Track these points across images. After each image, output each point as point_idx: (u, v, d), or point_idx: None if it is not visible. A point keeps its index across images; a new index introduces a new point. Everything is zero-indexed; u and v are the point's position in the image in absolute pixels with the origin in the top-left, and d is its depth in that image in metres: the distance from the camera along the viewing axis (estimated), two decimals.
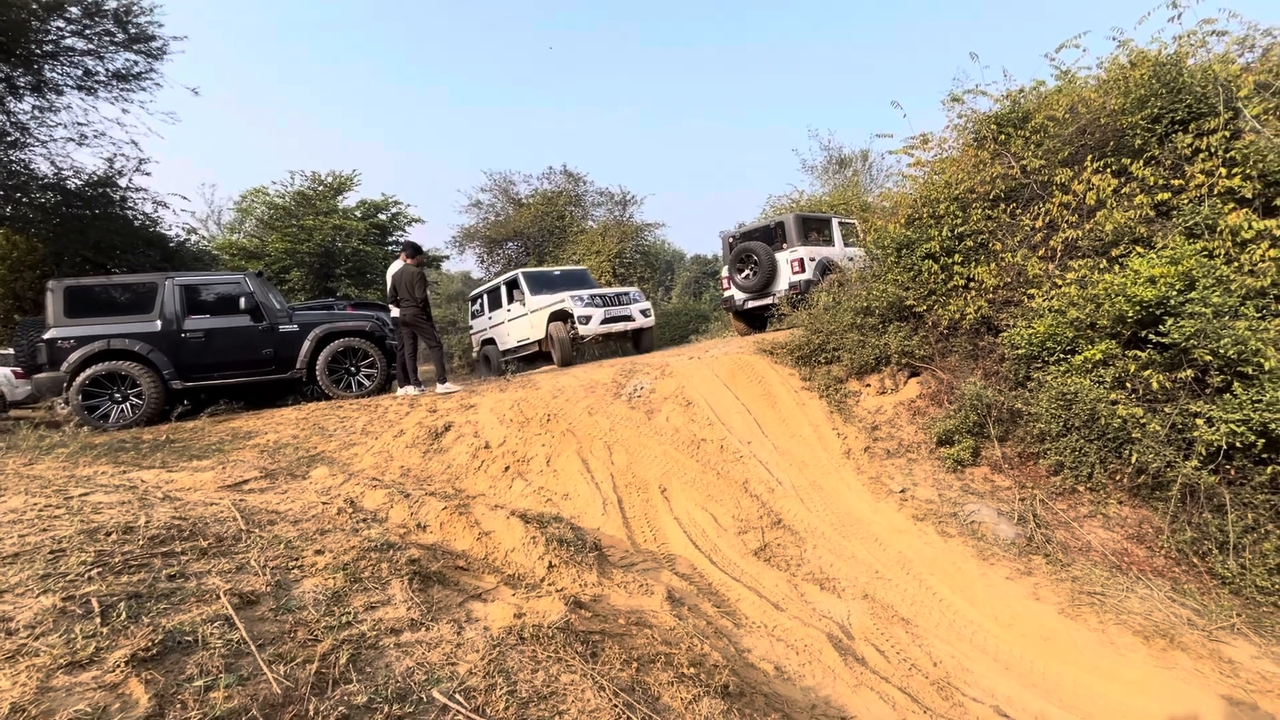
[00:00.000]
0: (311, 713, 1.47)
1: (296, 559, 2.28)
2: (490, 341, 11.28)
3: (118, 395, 7.03)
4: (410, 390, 7.47)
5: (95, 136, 10.42)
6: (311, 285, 14.85)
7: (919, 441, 5.70)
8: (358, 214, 16.22)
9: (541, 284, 10.31)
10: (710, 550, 4.31)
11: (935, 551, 4.46)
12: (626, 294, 9.73)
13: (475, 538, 3.00)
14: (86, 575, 1.91)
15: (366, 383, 7.94)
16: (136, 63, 10.41)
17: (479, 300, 11.85)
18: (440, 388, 7.45)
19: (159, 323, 7.22)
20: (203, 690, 1.43)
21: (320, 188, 15.99)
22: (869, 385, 6.38)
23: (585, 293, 9.32)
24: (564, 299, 9.08)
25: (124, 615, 1.71)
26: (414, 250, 7.49)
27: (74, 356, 6.79)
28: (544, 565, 2.94)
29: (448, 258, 18.67)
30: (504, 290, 10.67)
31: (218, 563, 2.11)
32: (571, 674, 1.95)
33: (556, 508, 4.69)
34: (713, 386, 6.48)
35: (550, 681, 1.89)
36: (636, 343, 10.02)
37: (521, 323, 10.15)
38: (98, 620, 1.66)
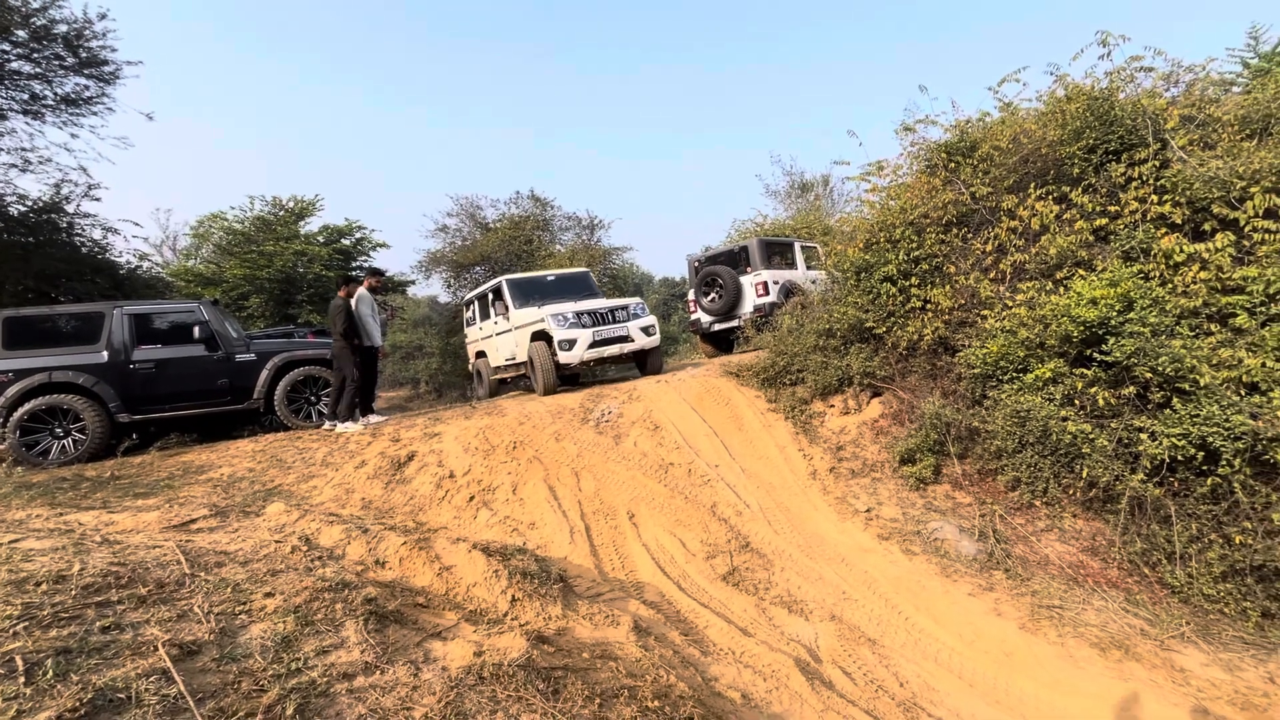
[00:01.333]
0: None
1: (244, 603, 2.18)
2: (483, 355, 10.01)
3: (59, 430, 6.70)
4: (373, 419, 7.32)
5: (41, 163, 10.07)
6: (272, 312, 14.47)
7: (882, 460, 5.80)
8: (320, 239, 15.93)
9: (529, 293, 8.69)
10: (679, 577, 4.28)
11: (900, 570, 4.51)
12: (624, 307, 8.08)
13: (436, 573, 2.93)
14: (11, 630, 1.80)
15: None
16: (87, 87, 10.15)
17: (471, 306, 10.44)
18: (327, 424, 7.12)
19: (105, 353, 6.93)
20: None
21: (281, 212, 15.69)
22: (833, 406, 6.48)
23: (570, 308, 7.72)
24: (544, 317, 7.63)
25: (50, 673, 1.61)
26: (343, 280, 7.37)
27: (11, 390, 6.46)
28: (507, 599, 2.88)
29: (413, 282, 18.47)
30: (490, 299, 9.16)
31: (157, 611, 2.01)
32: (532, 714, 1.90)
33: (523, 537, 4.61)
34: (680, 410, 6.51)
35: None
36: (641, 365, 8.55)
37: (507, 339, 8.73)
38: (21, 680, 1.56)
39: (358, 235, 16.45)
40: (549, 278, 9.17)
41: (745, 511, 5.07)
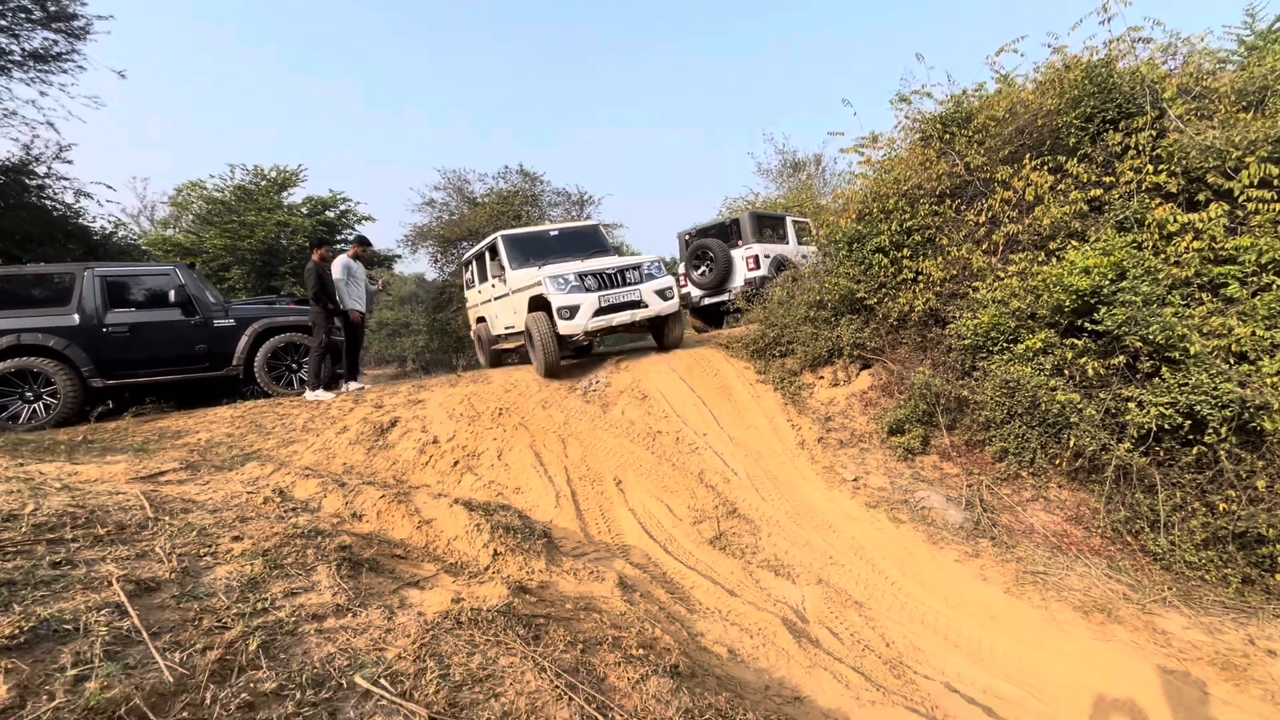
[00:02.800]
0: (208, 701, 1.32)
1: (210, 546, 2.08)
2: (483, 320, 9.03)
3: (29, 394, 6.49)
4: (351, 386, 7.18)
5: (5, 116, 9.67)
6: (254, 284, 14.15)
7: (871, 431, 5.77)
8: (304, 210, 15.57)
9: (528, 251, 7.54)
10: (665, 540, 4.23)
11: (887, 537, 4.50)
12: (636, 267, 6.90)
13: (415, 526, 2.84)
14: None
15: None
16: (56, 42, 9.74)
17: (470, 267, 9.33)
18: (310, 394, 6.92)
19: (77, 316, 6.70)
20: (75, 680, 1.26)
21: (263, 182, 15.29)
22: (822, 377, 6.44)
23: (571, 269, 6.58)
24: (541, 280, 6.50)
25: None
26: (316, 242, 7.13)
27: None
28: (489, 553, 2.80)
29: (400, 257, 18.15)
30: (487, 258, 8.06)
31: (115, 550, 1.91)
32: (511, 656, 1.83)
33: (508, 501, 4.53)
34: (669, 380, 6.43)
35: (487, 665, 1.76)
36: (658, 336, 7.40)
37: (505, 305, 7.65)
38: None
39: (342, 208, 16.11)
40: (552, 233, 7.85)
41: (733, 479, 5.03)
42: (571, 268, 6.67)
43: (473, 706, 1.56)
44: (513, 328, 7.61)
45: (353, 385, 7.25)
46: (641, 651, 2.14)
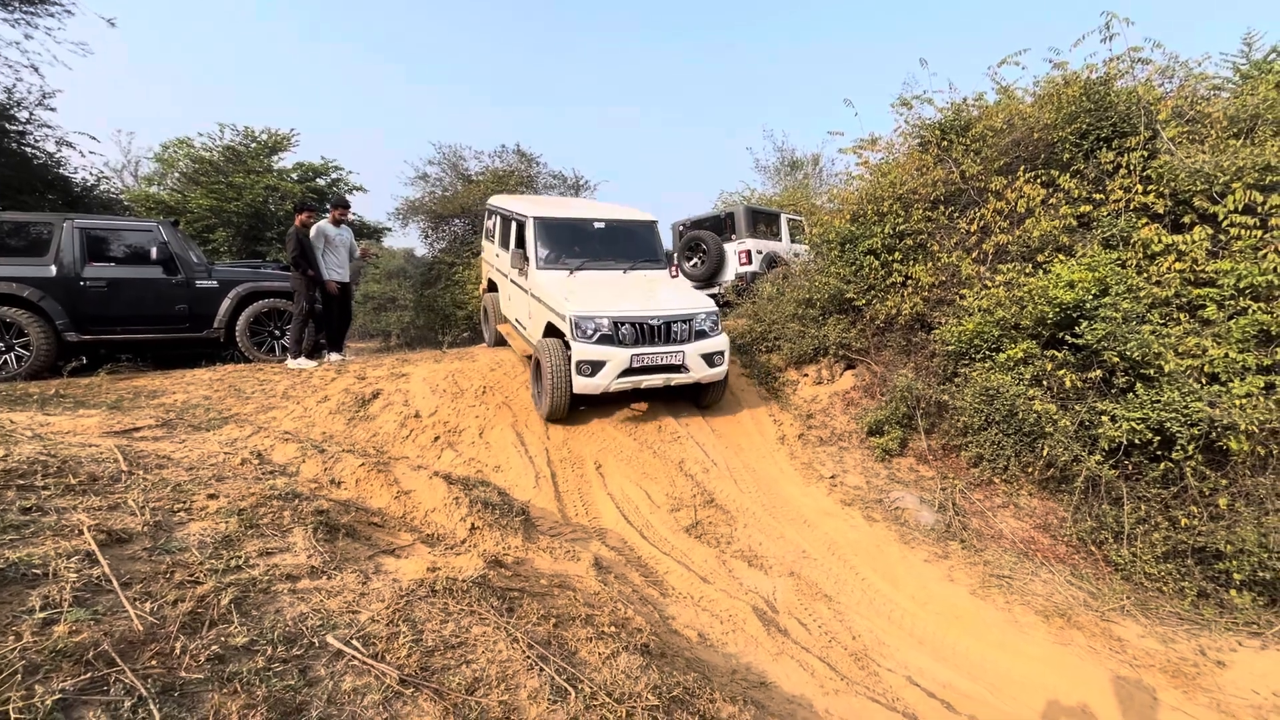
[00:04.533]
0: (178, 651, 1.31)
1: (184, 503, 2.06)
2: (495, 288, 7.84)
3: (0, 345, 6.33)
4: (334, 357, 7.11)
5: None
6: (239, 248, 13.89)
7: (851, 431, 5.85)
8: (294, 176, 15.28)
9: (562, 243, 6.13)
10: (642, 525, 4.26)
11: (860, 535, 4.57)
12: (687, 320, 5.42)
13: (393, 496, 2.83)
14: None
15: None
16: None
17: (494, 218, 7.79)
18: (291, 362, 6.83)
19: (54, 268, 6.54)
20: (43, 623, 1.25)
21: (253, 144, 14.97)
22: (806, 375, 6.49)
23: (605, 309, 5.19)
24: (565, 315, 5.16)
25: None
26: (299, 206, 6.98)
27: None
28: (466, 527, 2.80)
29: (389, 230, 17.91)
30: (513, 231, 6.62)
31: (87, 500, 1.88)
32: (484, 626, 1.84)
33: (488, 479, 4.53)
34: None
35: (460, 632, 1.77)
36: (696, 395, 5.95)
37: (521, 298, 6.38)
38: None
39: (333, 176, 15.85)
40: (597, 224, 6.42)
41: (712, 469, 5.07)
42: (606, 306, 5.25)
43: (444, 671, 1.57)
44: (524, 329, 6.51)
45: (334, 356, 7.17)
46: (613, 629, 2.16)
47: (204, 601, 1.53)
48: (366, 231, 16.79)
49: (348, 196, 15.81)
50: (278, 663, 1.40)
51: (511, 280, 6.64)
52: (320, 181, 15.57)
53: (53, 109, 10.91)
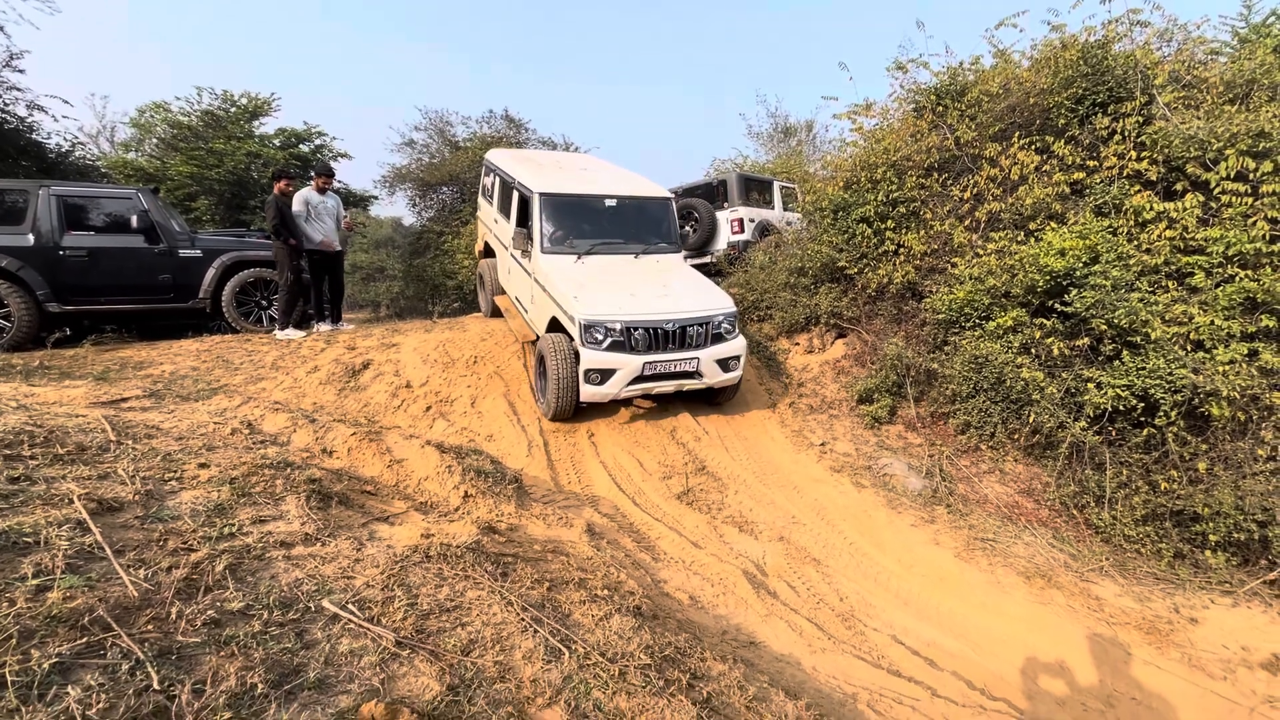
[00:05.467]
0: (174, 616, 1.32)
1: (175, 472, 2.06)
2: (490, 252, 7.37)
3: None
4: (323, 327, 7.04)
5: None
6: (222, 216, 13.60)
7: (841, 399, 5.90)
8: (276, 142, 14.88)
9: (569, 224, 5.67)
10: (634, 493, 4.31)
11: (849, 500, 4.65)
12: (704, 322, 5.04)
13: (386, 465, 2.84)
14: None
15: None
16: None
17: (493, 176, 7.17)
18: (279, 333, 6.78)
19: (32, 237, 6.38)
20: (37, 590, 1.25)
21: (233, 109, 14.53)
22: (798, 344, 6.51)
23: (617, 312, 4.80)
24: (574, 316, 4.76)
25: None
26: (278, 173, 6.86)
27: None
28: (459, 495, 2.82)
29: (376, 198, 17.57)
30: (514, 201, 6.11)
31: (76, 469, 1.87)
32: (479, 590, 1.86)
33: (480, 448, 4.54)
34: None
35: (455, 596, 1.80)
36: (709, 394, 5.62)
37: (523, 279, 5.90)
38: None
39: (317, 142, 15.46)
40: (608, 202, 5.86)
41: (704, 438, 5.11)
42: (619, 308, 4.81)
43: (440, 633, 1.59)
44: (525, 311, 6.00)
45: (324, 326, 7.10)
46: (606, 592, 2.20)
47: (198, 568, 1.54)
48: (353, 200, 16.47)
49: (332, 164, 15.45)
50: (274, 626, 1.42)
51: (512, 254, 6.14)
52: (304, 148, 15.19)
53: (21, 70, 10.50)
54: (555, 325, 5.12)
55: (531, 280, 5.60)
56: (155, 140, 15.22)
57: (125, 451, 2.09)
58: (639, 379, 4.82)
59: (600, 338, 4.74)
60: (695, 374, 5.03)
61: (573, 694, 1.49)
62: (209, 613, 1.36)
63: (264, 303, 7.40)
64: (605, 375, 4.75)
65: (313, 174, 7.17)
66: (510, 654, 1.59)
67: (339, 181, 16.40)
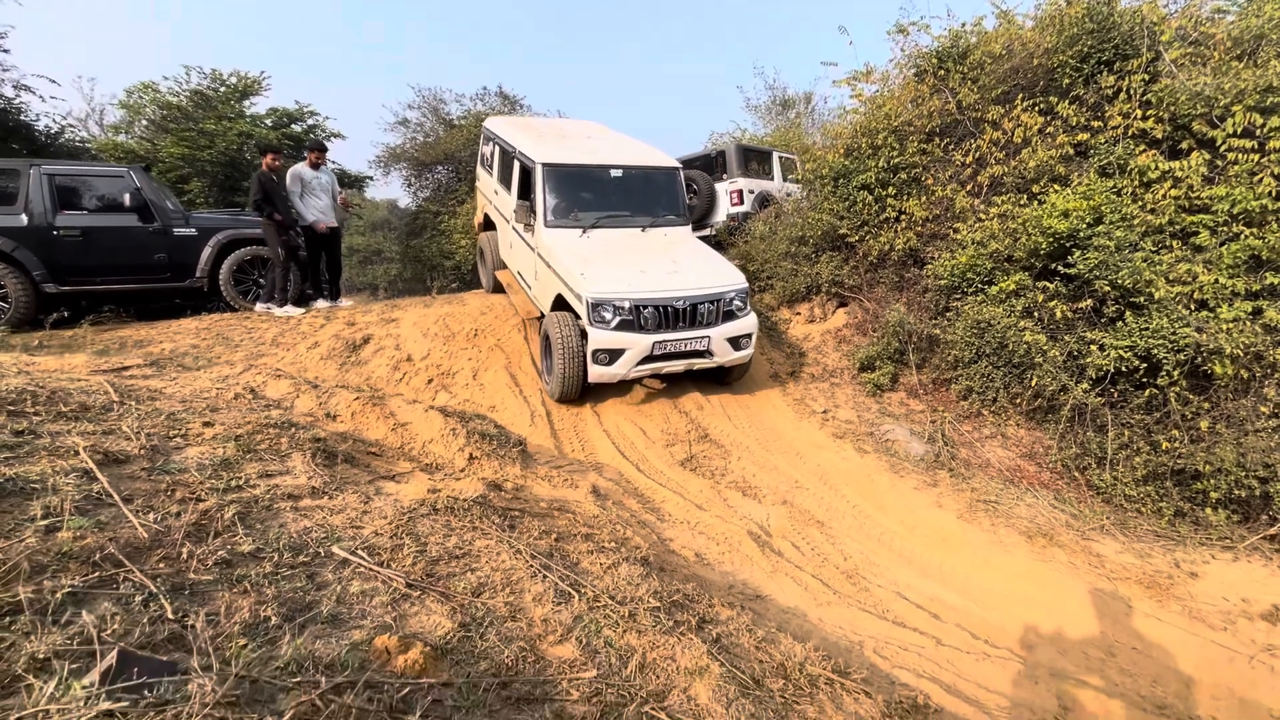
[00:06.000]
0: (185, 555, 1.32)
1: (179, 430, 2.05)
2: (491, 225, 7.13)
3: None
4: (321, 304, 7.01)
5: None
6: (215, 198, 13.46)
7: (843, 368, 5.89)
8: (268, 122, 14.67)
9: (573, 192, 5.49)
10: (638, 460, 4.32)
11: (851, 465, 4.67)
12: (715, 300, 4.88)
13: (390, 428, 2.84)
14: None
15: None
16: None
17: (491, 145, 6.94)
18: (260, 306, 6.74)
19: (25, 217, 6.32)
20: (46, 530, 1.25)
21: (222, 88, 14.30)
22: (799, 314, 6.49)
23: (625, 290, 4.64)
24: (581, 294, 4.60)
25: None
26: (263, 148, 6.82)
27: None
28: (464, 456, 2.83)
29: (371, 179, 17.38)
30: (516, 175, 5.88)
31: (80, 426, 1.87)
32: (487, 540, 1.87)
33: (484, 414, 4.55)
34: None
35: (464, 545, 1.81)
36: (720, 373, 5.44)
37: (526, 253, 5.70)
38: None
39: (310, 121, 15.25)
40: (613, 173, 5.66)
41: (706, 406, 5.11)
42: (627, 285, 4.66)
43: (449, 577, 1.60)
44: (529, 287, 5.80)
45: (322, 304, 7.06)
46: (613, 544, 2.21)
47: (207, 515, 1.54)
48: (348, 181, 16.30)
49: (327, 142, 15.26)
50: (285, 568, 1.42)
51: (514, 227, 5.87)
52: (296, 128, 14.99)
53: (6, 50, 10.31)
54: (560, 303, 4.95)
55: (535, 255, 5.41)
56: (145, 122, 15.00)
57: (129, 411, 2.09)
58: (648, 359, 4.70)
59: (608, 317, 4.58)
60: (706, 353, 4.90)
61: (583, 632, 1.50)
62: (220, 553, 1.37)
63: (262, 281, 7.35)
64: (614, 355, 4.61)
65: (305, 150, 7.07)
66: (520, 596, 1.60)
67: (332, 162, 16.21)
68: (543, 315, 5.19)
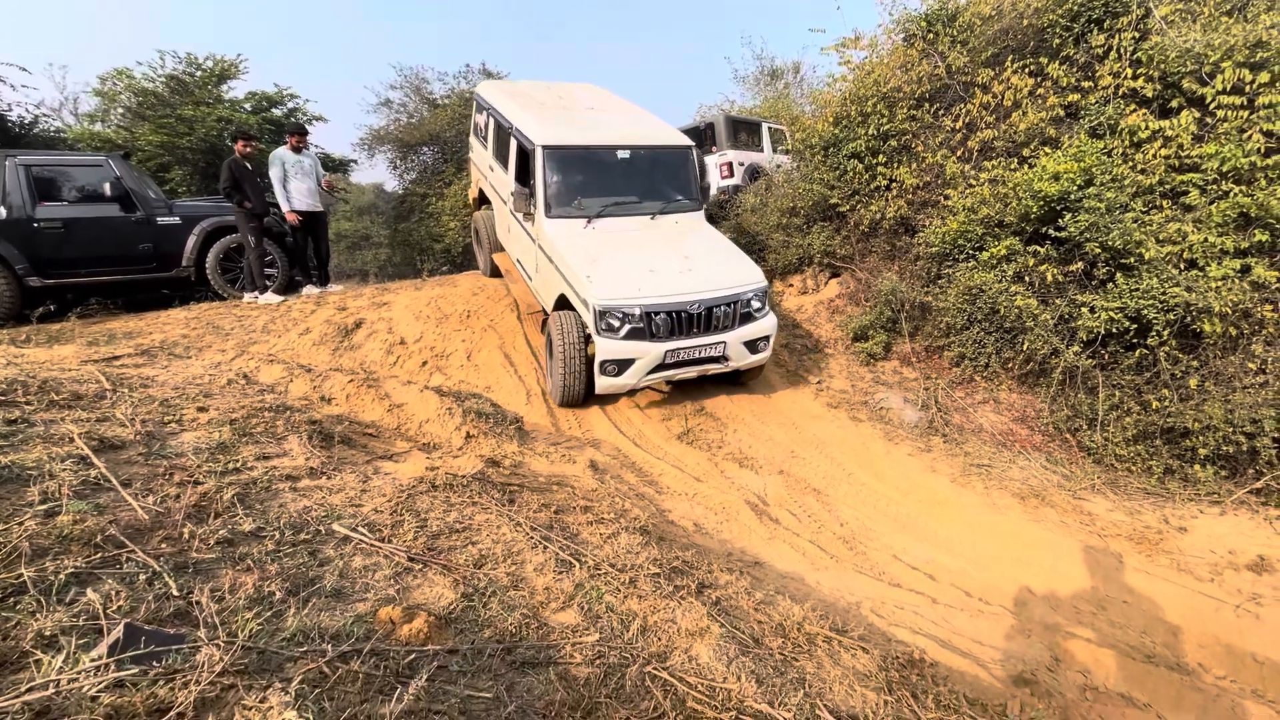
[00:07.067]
0: (186, 536, 1.33)
1: (174, 415, 2.05)
2: (486, 200, 6.71)
3: None
4: (311, 290, 6.96)
5: None
6: (198, 186, 13.25)
7: (836, 338, 5.91)
8: (247, 106, 14.39)
9: (575, 176, 5.08)
10: (635, 435, 4.35)
11: (846, 434, 4.71)
12: (732, 302, 4.52)
13: (386, 409, 2.84)
14: None
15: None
16: None
17: (485, 115, 6.44)
18: (247, 294, 6.73)
19: (4, 210, 6.21)
20: (45, 514, 1.26)
21: (199, 73, 13.97)
22: (791, 285, 6.49)
23: (635, 295, 4.27)
24: (588, 300, 4.22)
25: None
26: (236, 135, 6.73)
27: None
28: (461, 435, 2.84)
29: (355, 163, 17.12)
30: (513, 154, 5.46)
31: (73, 414, 1.86)
32: (487, 514, 1.89)
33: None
34: None
35: (464, 520, 1.82)
36: (732, 377, 5.12)
37: (525, 246, 5.31)
38: None
39: (290, 105, 14.95)
40: (620, 154, 5.19)
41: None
42: (637, 288, 4.27)
43: (451, 551, 1.62)
44: (529, 278, 5.42)
45: (311, 290, 7.01)
46: (612, 515, 2.24)
47: (207, 497, 1.55)
48: (332, 165, 16.06)
49: (308, 125, 14.98)
50: (287, 546, 1.43)
51: (512, 211, 5.29)
52: (276, 111, 14.71)
53: None
54: (564, 302, 4.58)
55: (535, 247, 5.00)
56: (121, 110, 14.68)
57: (122, 398, 2.08)
58: (660, 367, 4.35)
59: (617, 325, 4.19)
60: (721, 358, 4.56)
61: (585, 599, 1.53)
62: (221, 533, 1.38)
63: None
64: (622, 366, 4.26)
65: (286, 134, 6.95)
66: (522, 567, 1.62)
67: (316, 146, 15.94)
68: (545, 311, 4.90)
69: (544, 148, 4.87)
